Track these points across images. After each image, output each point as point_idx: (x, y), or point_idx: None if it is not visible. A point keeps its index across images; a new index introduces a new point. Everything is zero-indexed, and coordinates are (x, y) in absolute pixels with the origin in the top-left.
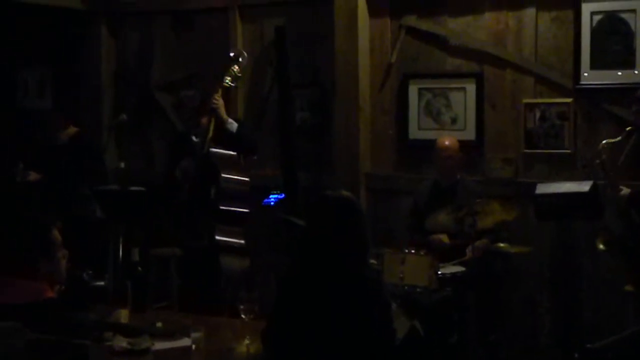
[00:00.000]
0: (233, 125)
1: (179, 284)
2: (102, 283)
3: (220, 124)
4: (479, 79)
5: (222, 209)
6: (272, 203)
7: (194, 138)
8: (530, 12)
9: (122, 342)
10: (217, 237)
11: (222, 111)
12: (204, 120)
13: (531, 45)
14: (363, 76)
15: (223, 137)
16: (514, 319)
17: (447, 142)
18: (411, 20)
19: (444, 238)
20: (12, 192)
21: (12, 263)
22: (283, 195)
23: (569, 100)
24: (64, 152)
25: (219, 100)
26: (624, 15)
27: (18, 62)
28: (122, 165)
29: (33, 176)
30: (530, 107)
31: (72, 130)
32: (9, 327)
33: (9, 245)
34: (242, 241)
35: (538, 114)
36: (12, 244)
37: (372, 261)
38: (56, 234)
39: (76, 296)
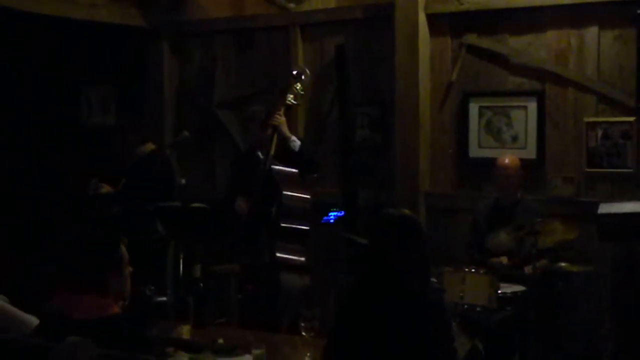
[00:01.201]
0: (296, 142)
1: (238, 300)
2: (164, 299)
3: (283, 141)
4: (541, 97)
5: (283, 226)
6: (331, 220)
7: (259, 154)
8: (592, 30)
9: (184, 358)
10: (278, 254)
11: (285, 128)
12: (267, 136)
13: (593, 64)
14: (423, 94)
15: (285, 155)
16: (575, 340)
17: (507, 161)
18: (472, 39)
19: (504, 260)
20: (84, 206)
21: (83, 278)
22: (343, 213)
23: (631, 119)
24: (140, 168)
25: (281, 117)
26: None
27: (82, 80)
28: (184, 182)
29: (105, 189)
30: (592, 125)
31: (150, 147)
32: (78, 342)
33: (80, 260)
34: (303, 258)
35: (600, 133)
36: (83, 259)
37: (433, 279)
38: (124, 249)
39: (140, 312)
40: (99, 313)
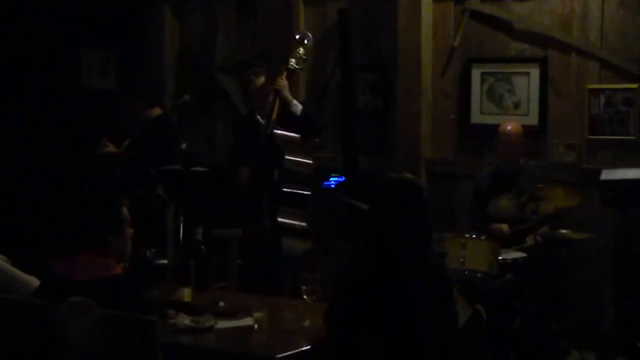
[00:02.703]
0: (298, 107)
1: (239, 264)
2: (164, 262)
3: (285, 105)
4: (543, 64)
5: (285, 191)
6: (332, 185)
7: (259, 119)
8: None
9: (185, 320)
10: (279, 219)
11: (287, 92)
12: (269, 100)
13: (597, 30)
14: (425, 60)
15: (287, 119)
16: (576, 307)
17: (509, 128)
18: (475, 4)
19: (504, 227)
20: (89, 167)
21: (85, 239)
22: (343, 178)
23: (634, 86)
24: (147, 131)
25: (283, 81)
26: None
27: (82, 43)
28: (184, 146)
29: (110, 148)
30: (595, 92)
31: (158, 111)
32: (81, 302)
33: (82, 220)
34: (304, 223)
35: (603, 100)
36: (86, 219)
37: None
38: (125, 211)
39: (141, 274)
40: (101, 274)
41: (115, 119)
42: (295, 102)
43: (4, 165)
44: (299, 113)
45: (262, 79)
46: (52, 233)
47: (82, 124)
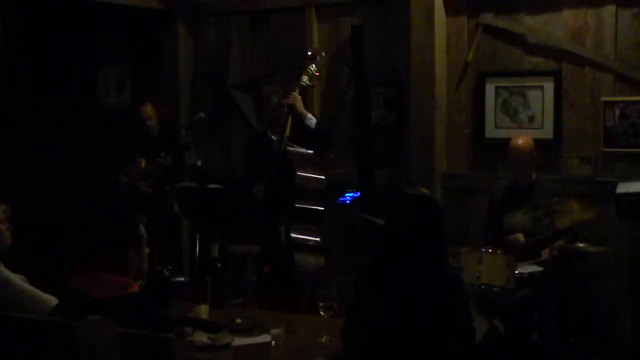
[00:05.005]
0: (312, 120)
1: (255, 281)
2: (181, 279)
3: (300, 119)
4: (557, 77)
5: (298, 207)
6: (347, 201)
7: (272, 136)
8: (610, 9)
9: (202, 338)
10: (293, 235)
11: (301, 106)
12: (282, 118)
13: (611, 43)
14: (439, 75)
15: (300, 134)
16: (593, 319)
17: (520, 142)
18: (488, 18)
19: (520, 237)
20: (108, 185)
21: (103, 256)
22: (359, 194)
23: None
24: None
25: (296, 95)
26: None
27: (98, 61)
28: (199, 163)
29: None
30: (610, 105)
31: (150, 109)
32: (100, 320)
33: (101, 238)
34: (318, 239)
35: (617, 112)
36: (104, 237)
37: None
38: (142, 229)
39: (158, 291)
40: (119, 292)
41: (130, 135)
42: (309, 115)
43: (24, 182)
44: (313, 126)
45: (276, 96)
46: (70, 251)
47: (101, 141)
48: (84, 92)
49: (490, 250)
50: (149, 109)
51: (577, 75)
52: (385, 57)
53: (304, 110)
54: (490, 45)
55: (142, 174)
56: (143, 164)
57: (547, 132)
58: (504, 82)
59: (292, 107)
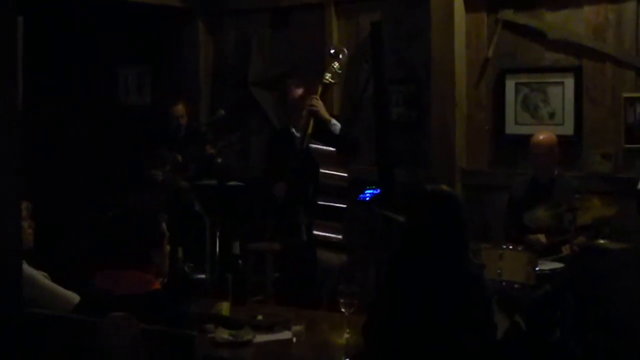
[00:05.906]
0: (336, 126)
1: (275, 278)
2: (202, 276)
3: (323, 125)
4: (578, 73)
5: (320, 204)
6: (367, 198)
7: (294, 132)
8: (631, 5)
9: (223, 334)
10: (315, 232)
11: (324, 112)
12: (304, 114)
13: (632, 38)
14: (459, 71)
15: (324, 135)
16: (615, 317)
17: (541, 138)
18: (508, 15)
19: (542, 237)
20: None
21: (126, 254)
22: (379, 191)
23: None
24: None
25: (318, 102)
26: None
27: (118, 60)
28: (219, 160)
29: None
30: (631, 101)
31: (181, 109)
32: (121, 317)
33: (123, 235)
34: (340, 236)
35: (639, 108)
36: (127, 234)
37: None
38: (164, 226)
39: (179, 289)
40: (141, 289)
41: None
42: (333, 121)
43: (46, 181)
44: (337, 132)
45: (300, 90)
46: (92, 248)
47: (123, 140)
48: (104, 91)
49: (511, 247)
50: (180, 108)
51: (598, 72)
52: (404, 54)
53: (327, 116)
54: (511, 42)
55: (180, 168)
56: (179, 159)
57: (568, 129)
58: (524, 79)
59: (315, 114)
